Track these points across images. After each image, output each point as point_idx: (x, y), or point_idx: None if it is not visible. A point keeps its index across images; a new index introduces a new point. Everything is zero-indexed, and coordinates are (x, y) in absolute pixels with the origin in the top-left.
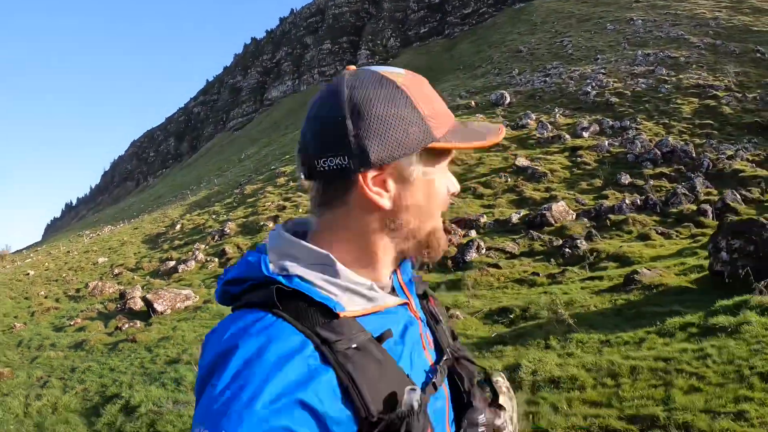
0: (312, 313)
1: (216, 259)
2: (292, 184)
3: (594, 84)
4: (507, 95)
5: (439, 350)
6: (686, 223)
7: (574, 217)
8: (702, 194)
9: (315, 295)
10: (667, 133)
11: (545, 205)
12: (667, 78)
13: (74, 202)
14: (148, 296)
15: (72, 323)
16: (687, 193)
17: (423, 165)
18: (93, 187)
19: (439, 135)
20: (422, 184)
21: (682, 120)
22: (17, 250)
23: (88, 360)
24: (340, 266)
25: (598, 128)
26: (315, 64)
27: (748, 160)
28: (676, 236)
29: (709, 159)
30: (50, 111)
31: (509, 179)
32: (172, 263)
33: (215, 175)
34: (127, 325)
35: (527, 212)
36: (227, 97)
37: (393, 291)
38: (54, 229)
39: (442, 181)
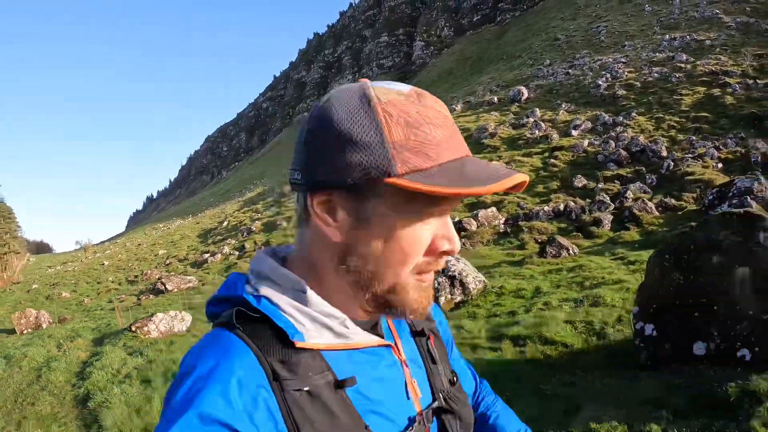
0: (271, 339)
1: (236, 252)
2: None
3: (608, 76)
4: (524, 91)
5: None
6: (575, 234)
7: (502, 221)
8: (630, 200)
9: (277, 318)
10: (658, 128)
11: (475, 211)
12: (682, 65)
13: (155, 195)
14: (162, 280)
15: (120, 298)
16: (606, 201)
17: (387, 204)
18: (172, 180)
19: (403, 170)
20: (382, 228)
21: (678, 113)
22: (101, 242)
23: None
24: (311, 294)
25: (590, 125)
26: (373, 57)
27: (719, 158)
28: (551, 255)
29: (673, 159)
30: (138, 106)
31: None
32: (207, 255)
33: (276, 171)
34: (145, 298)
35: (464, 215)
36: (293, 92)
37: (376, 328)
38: (136, 221)
39: (421, 229)
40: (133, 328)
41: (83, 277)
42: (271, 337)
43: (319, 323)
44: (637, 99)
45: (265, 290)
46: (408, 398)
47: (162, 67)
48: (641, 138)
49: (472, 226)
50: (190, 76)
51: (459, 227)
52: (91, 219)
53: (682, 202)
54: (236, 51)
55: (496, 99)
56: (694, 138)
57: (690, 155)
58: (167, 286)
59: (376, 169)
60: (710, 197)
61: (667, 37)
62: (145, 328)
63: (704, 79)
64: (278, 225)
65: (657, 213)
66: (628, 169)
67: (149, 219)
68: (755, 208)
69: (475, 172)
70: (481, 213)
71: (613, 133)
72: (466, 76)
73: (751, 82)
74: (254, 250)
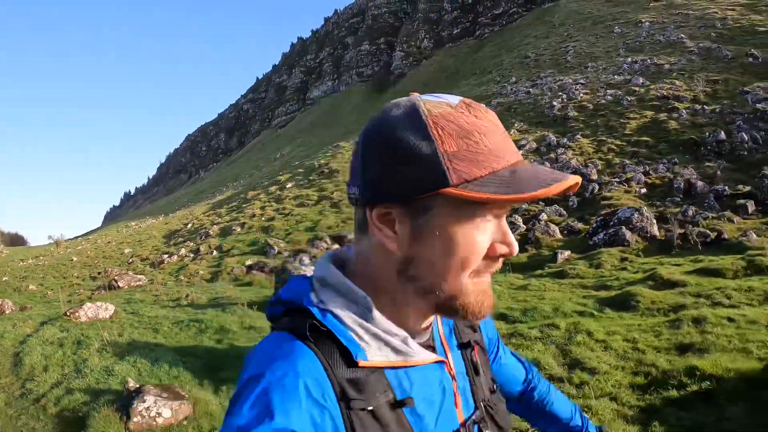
0: (336, 354)
1: (191, 255)
2: (279, 192)
3: (565, 97)
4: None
5: (475, 404)
6: None
7: None
8: (542, 222)
9: (342, 336)
10: (597, 151)
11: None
12: (637, 89)
13: (132, 191)
14: (116, 277)
15: (79, 293)
16: (518, 223)
17: (444, 214)
18: (150, 177)
19: (457, 180)
20: (440, 237)
21: (621, 137)
22: (74, 237)
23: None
24: (376, 312)
25: (535, 145)
26: (354, 65)
27: (645, 183)
28: None
29: (599, 183)
30: (120, 102)
31: None
32: (165, 256)
33: (249, 173)
34: (98, 293)
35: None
36: (273, 96)
37: (431, 343)
38: (112, 216)
39: (478, 236)
40: (68, 314)
41: (51, 272)
42: (336, 353)
43: (381, 340)
44: (586, 121)
45: (331, 303)
46: (454, 411)
47: (153, 63)
48: (574, 161)
49: None
50: (178, 74)
51: None
52: (70, 213)
53: (588, 226)
54: (225, 52)
55: None
56: (627, 162)
57: (617, 179)
58: (119, 283)
59: (431, 182)
60: (594, 225)
61: (629, 59)
62: (76, 314)
63: (654, 103)
64: (232, 230)
65: (560, 236)
66: None
67: (124, 216)
68: (629, 237)
69: (527, 178)
70: None
71: (553, 155)
72: (440, 89)
73: (698, 107)
74: (207, 254)
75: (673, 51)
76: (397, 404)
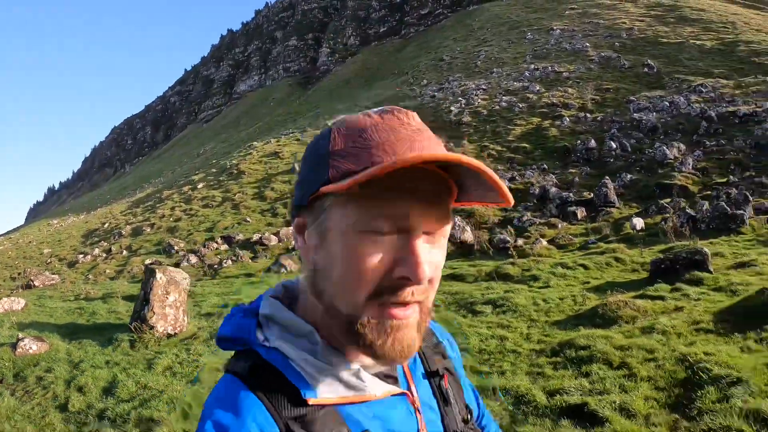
0: (283, 394)
1: (104, 255)
2: (191, 193)
3: (464, 102)
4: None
5: None
6: None
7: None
8: None
9: (288, 374)
10: (478, 157)
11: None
12: (531, 95)
13: (57, 186)
14: (32, 277)
15: None
16: None
17: (335, 218)
18: (74, 172)
19: (333, 174)
20: (335, 244)
21: (504, 143)
22: None
23: None
24: (322, 346)
25: None
26: (281, 60)
27: (509, 188)
28: None
29: None
30: (47, 87)
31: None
32: (80, 256)
33: (172, 169)
34: (16, 292)
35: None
36: (201, 89)
37: (393, 373)
38: (36, 213)
39: (372, 247)
40: None
41: None
42: (284, 392)
43: (331, 375)
44: (477, 126)
45: (276, 340)
46: None
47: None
48: None
49: (272, 241)
50: (108, 61)
51: (258, 241)
52: None
53: None
54: (159, 39)
55: None
56: (500, 168)
57: None
58: (35, 282)
59: (316, 181)
60: None
61: (533, 67)
62: None
63: (543, 110)
64: (143, 230)
65: None
66: None
67: (48, 212)
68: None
69: (391, 150)
70: (283, 231)
71: None
72: (358, 88)
73: (582, 115)
74: (118, 253)
75: (575, 59)
76: None
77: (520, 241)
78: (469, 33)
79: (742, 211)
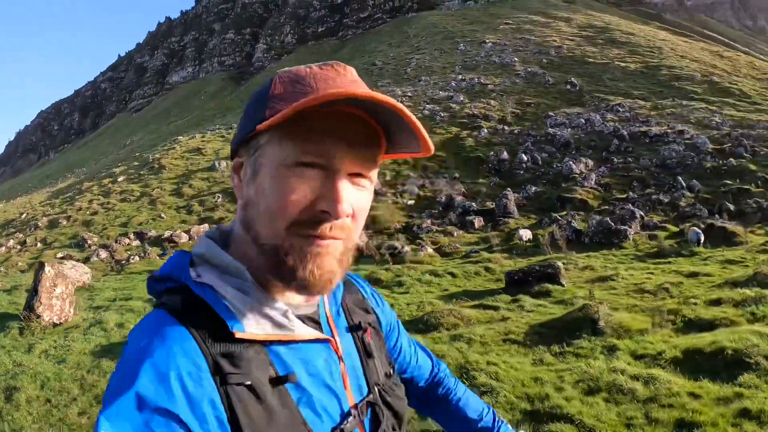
0: (212, 329)
1: (18, 246)
2: (110, 185)
3: None
4: None
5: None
6: None
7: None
8: None
9: (219, 309)
10: (393, 163)
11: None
12: (454, 106)
13: None
14: None
15: None
16: None
17: (267, 154)
18: None
19: (269, 114)
20: (264, 178)
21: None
22: None
23: None
24: (253, 285)
25: None
26: (216, 53)
27: (418, 196)
28: None
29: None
30: None
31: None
32: None
33: (96, 159)
34: None
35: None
36: (133, 76)
37: (316, 318)
38: None
39: (294, 181)
40: None
41: None
42: (213, 327)
43: (259, 313)
44: None
45: (209, 276)
46: (344, 392)
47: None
48: None
49: (182, 239)
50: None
51: (169, 238)
52: None
53: None
54: (94, 23)
55: None
56: (413, 175)
57: (393, 191)
58: None
59: (253, 121)
60: None
61: (460, 77)
62: None
63: (464, 120)
64: (59, 222)
65: None
66: None
67: None
68: None
69: (322, 87)
70: (195, 228)
71: None
72: None
73: (501, 127)
74: (33, 246)
75: (502, 72)
76: (278, 380)
77: (408, 248)
78: (405, 40)
79: (626, 227)
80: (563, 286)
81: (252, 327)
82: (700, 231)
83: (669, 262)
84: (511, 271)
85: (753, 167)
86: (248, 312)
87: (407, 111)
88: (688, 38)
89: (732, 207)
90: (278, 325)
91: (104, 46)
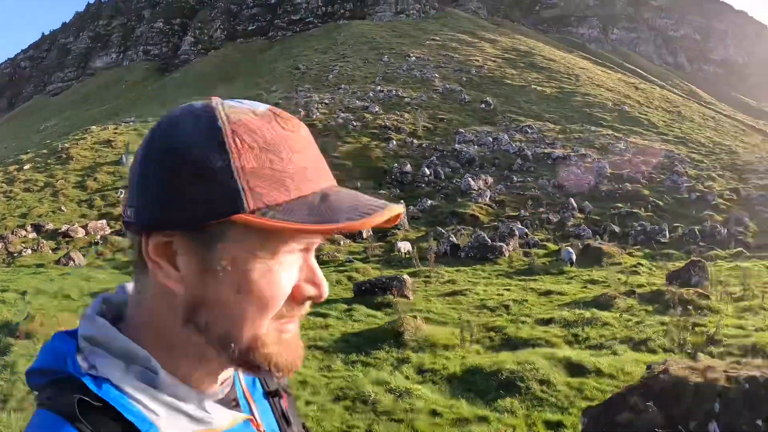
0: None
1: None
2: (15, 173)
3: (302, 114)
4: None
5: None
6: None
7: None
8: None
9: (125, 411)
10: None
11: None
12: (368, 116)
13: None
14: None
15: None
16: None
17: (239, 246)
18: None
19: (256, 204)
20: (235, 275)
21: (328, 159)
22: None
23: None
24: (163, 375)
25: None
26: (143, 41)
27: None
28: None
29: None
30: None
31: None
32: None
33: (6, 144)
34: None
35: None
36: (55, 58)
37: (234, 396)
38: None
39: (282, 273)
40: None
41: None
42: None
43: (173, 409)
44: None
45: (105, 368)
46: None
47: None
48: None
49: (78, 233)
50: None
51: (65, 232)
52: None
53: None
54: None
55: None
56: None
57: None
58: None
59: (222, 204)
60: None
61: (379, 88)
62: None
63: (375, 131)
64: None
65: None
66: None
67: None
68: None
69: (342, 206)
70: (92, 224)
71: None
72: (215, 84)
73: (410, 140)
74: None
75: (421, 87)
76: None
77: None
78: (332, 46)
79: (503, 244)
80: (409, 298)
81: (168, 428)
82: (572, 251)
83: (534, 280)
84: (360, 281)
85: (646, 192)
86: (160, 409)
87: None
88: (607, 69)
89: (617, 229)
90: (195, 419)
91: (28, 23)
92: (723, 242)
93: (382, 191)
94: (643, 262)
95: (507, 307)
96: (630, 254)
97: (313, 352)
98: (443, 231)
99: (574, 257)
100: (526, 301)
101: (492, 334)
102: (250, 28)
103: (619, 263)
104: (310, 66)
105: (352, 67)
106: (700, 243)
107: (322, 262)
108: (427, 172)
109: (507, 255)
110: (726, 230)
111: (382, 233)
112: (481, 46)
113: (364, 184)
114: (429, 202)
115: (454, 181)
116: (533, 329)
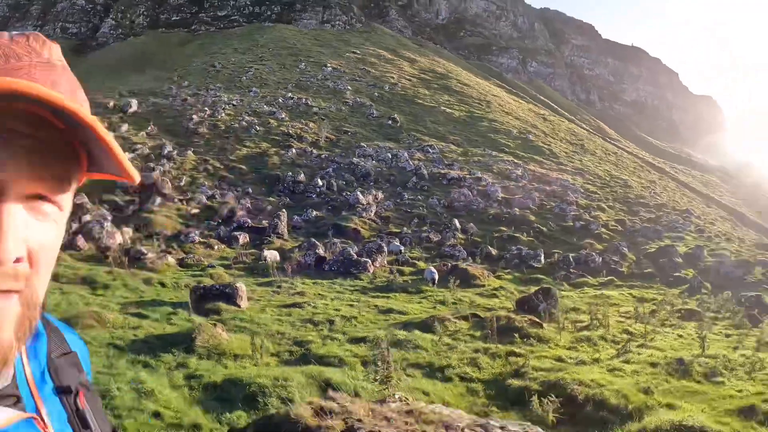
0: None
1: None
2: None
3: (208, 113)
4: (135, 104)
5: None
6: None
7: None
8: None
9: None
10: (195, 168)
11: None
12: (273, 121)
13: None
14: None
15: None
16: None
17: None
18: None
19: None
20: None
21: (225, 160)
22: None
23: None
24: None
25: (147, 152)
26: (62, 17)
27: (205, 205)
28: None
29: (165, 199)
30: None
31: None
32: None
33: None
34: None
35: None
36: None
37: (14, 391)
38: None
39: None
40: None
41: None
42: None
43: None
44: (210, 140)
45: None
46: None
47: None
48: (155, 174)
49: None
50: None
51: None
52: None
53: None
54: None
55: (111, 104)
56: (207, 183)
57: (182, 197)
58: None
59: None
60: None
61: (290, 95)
62: None
63: (277, 138)
64: None
65: None
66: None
67: None
68: (82, 245)
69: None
70: None
71: (156, 165)
72: (129, 71)
73: (310, 150)
74: None
75: (332, 98)
76: None
77: (152, 255)
78: (251, 48)
79: (368, 260)
80: (239, 307)
81: None
82: (434, 270)
83: (387, 297)
84: (196, 287)
85: (532, 218)
86: None
87: (100, 127)
88: (520, 98)
89: (494, 251)
90: None
91: None
92: (596, 270)
93: (270, 198)
94: (508, 285)
95: (332, 322)
96: (498, 277)
97: (108, 350)
98: (317, 243)
99: (436, 277)
100: (355, 318)
101: (296, 348)
102: (174, 18)
103: (483, 285)
104: (227, 65)
105: (267, 71)
106: (572, 270)
107: (185, 266)
108: (320, 183)
109: (371, 271)
110: (601, 259)
111: (259, 241)
112: (400, 64)
113: (255, 189)
114: (314, 213)
115: (345, 194)
116: (339, 347)
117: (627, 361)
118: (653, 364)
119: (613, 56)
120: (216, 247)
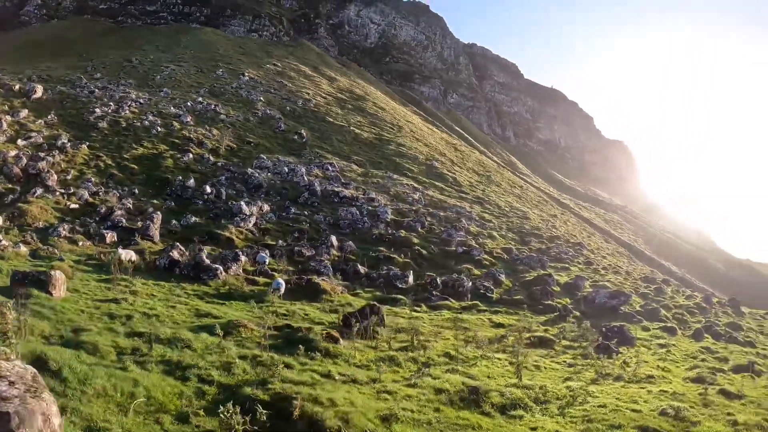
0: None
1: None
2: None
3: (113, 107)
4: (40, 90)
5: None
6: None
7: None
8: None
9: None
10: (87, 163)
11: None
12: (176, 124)
13: None
14: None
15: None
16: None
17: None
18: None
19: None
20: None
21: (118, 158)
22: None
23: None
24: None
25: (41, 141)
26: None
27: (86, 201)
28: None
29: (34, 193)
30: None
31: None
32: None
33: None
34: None
35: None
36: None
37: None
38: None
39: None
40: None
41: None
42: None
43: None
44: (107, 136)
45: None
46: None
47: None
48: (42, 164)
49: None
50: None
51: None
52: None
53: None
54: None
55: (17, 87)
56: (94, 179)
57: (63, 191)
58: None
59: None
60: None
61: (200, 99)
62: None
63: (176, 141)
64: None
65: None
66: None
67: None
68: None
69: None
70: None
71: (50, 157)
72: (43, 55)
73: (207, 157)
74: None
75: (243, 107)
76: None
77: (5, 243)
78: (173, 47)
79: (219, 267)
80: (51, 294)
81: None
82: (281, 282)
83: (221, 304)
84: (16, 272)
85: (416, 241)
86: None
87: None
88: (435, 127)
89: (363, 270)
90: None
91: None
92: (462, 294)
93: (155, 201)
94: (358, 302)
95: (130, 318)
96: (356, 294)
97: None
98: (180, 246)
99: (282, 288)
100: (158, 316)
101: (70, 334)
102: (101, 6)
103: (331, 300)
104: (144, 62)
105: (183, 73)
106: (434, 293)
107: (37, 257)
108: (209, 190)
109: (221, 278)
110: (471, 284)
111: (125, 240)
112: (318, 81)
113: (142, 191)
114: (194, 219)
115: (230, 203)
116: (101, 337)
117: (412, 385)
118: (440, 391)
119: (533, 96)
120: (81, 243)
